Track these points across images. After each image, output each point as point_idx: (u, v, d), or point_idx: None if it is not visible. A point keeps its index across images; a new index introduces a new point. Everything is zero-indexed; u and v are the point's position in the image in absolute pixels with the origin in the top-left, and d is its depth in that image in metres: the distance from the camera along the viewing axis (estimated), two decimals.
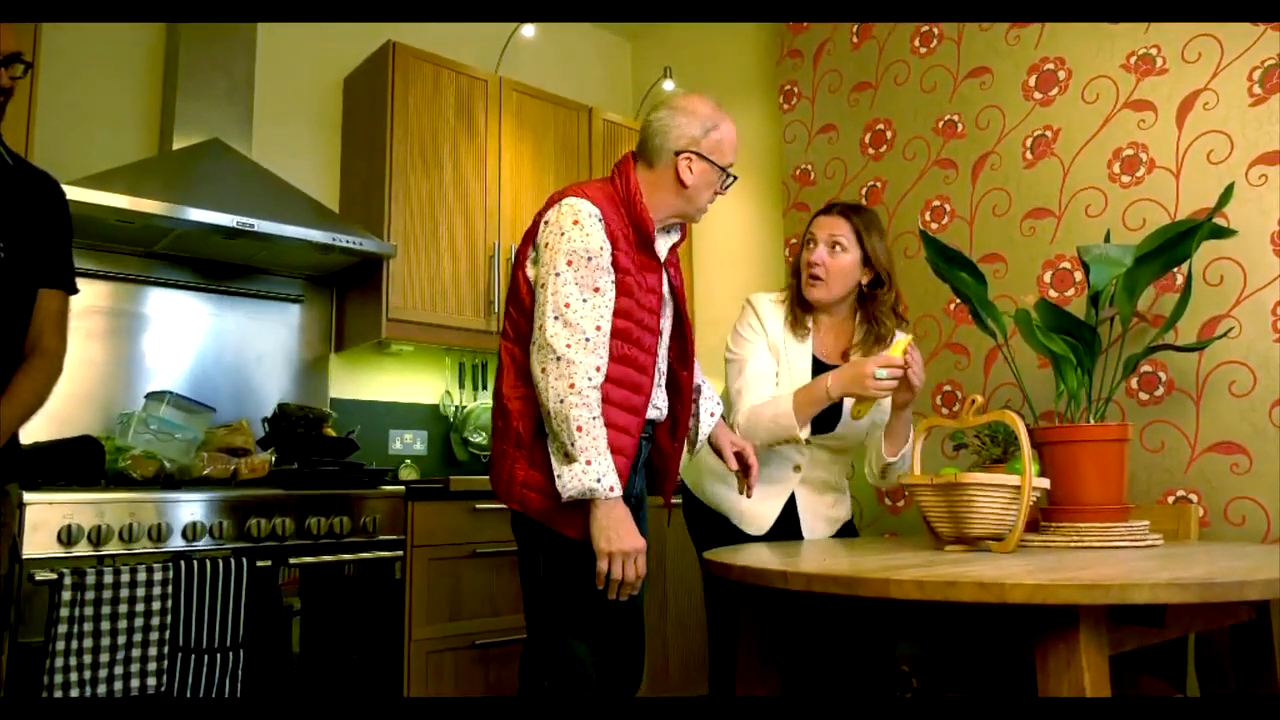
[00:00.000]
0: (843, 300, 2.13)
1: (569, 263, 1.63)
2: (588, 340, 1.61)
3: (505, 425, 1.71)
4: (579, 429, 1.57)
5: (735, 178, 1.85)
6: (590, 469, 1.56)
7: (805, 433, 1.98)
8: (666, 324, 1.85)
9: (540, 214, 1.76)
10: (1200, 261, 2.19)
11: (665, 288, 1.83)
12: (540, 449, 1.67)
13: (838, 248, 2.07)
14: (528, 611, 1.78)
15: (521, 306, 1.74)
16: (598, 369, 1.61)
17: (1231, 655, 1.79)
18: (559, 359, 1.59)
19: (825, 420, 2.06)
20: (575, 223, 1.66)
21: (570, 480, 1.57)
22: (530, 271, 1.73)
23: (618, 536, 1.58)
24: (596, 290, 1.65)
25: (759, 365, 2.10)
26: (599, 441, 1.58)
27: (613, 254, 1.68)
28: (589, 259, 1.64)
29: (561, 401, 1.57)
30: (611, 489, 1.58)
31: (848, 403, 2.10)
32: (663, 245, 1.83)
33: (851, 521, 2.26)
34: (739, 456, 1.96)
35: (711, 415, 1.99)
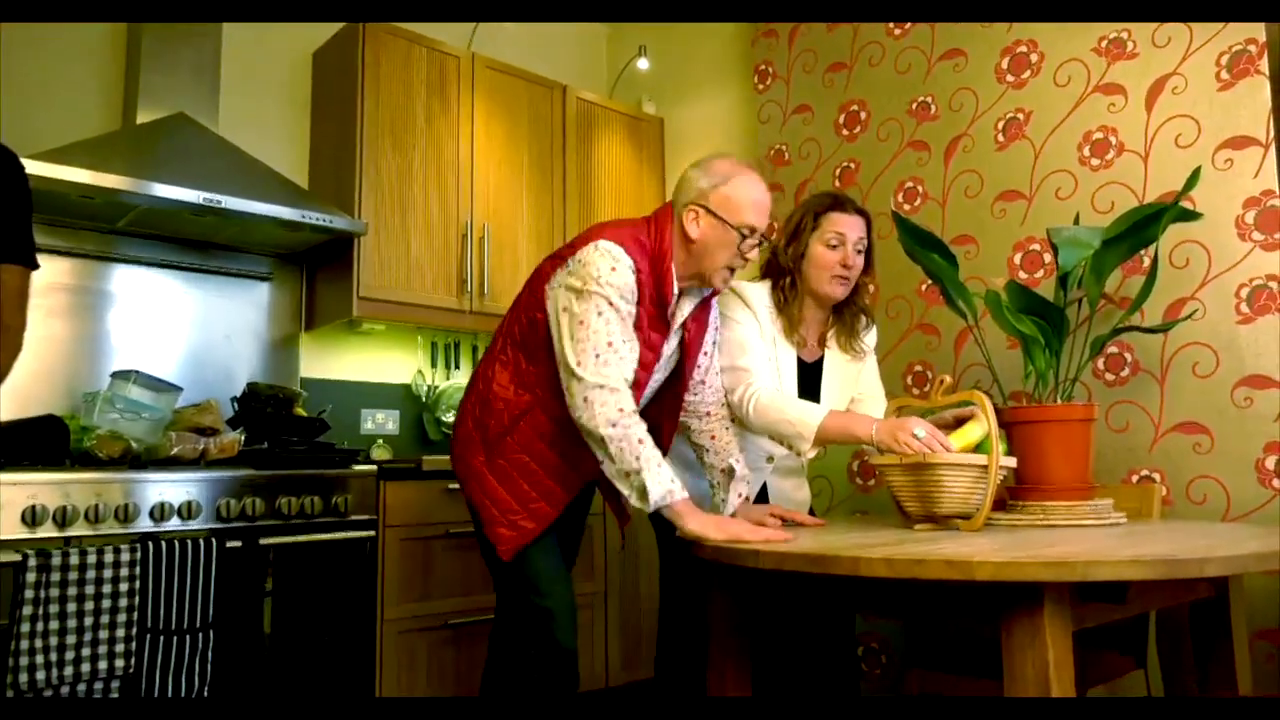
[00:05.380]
0: None
1: (610, 304, 1.69)
2: (627, 379, 1.70)
3: (482, 415, 1.82)
4: (640, 441, 1.64)
5: (759, 237, 1.79)
6: (662, 471, 1.64)
7: (810, 454, 1.95)
8: (657, 379, 1.88)
9: (575, 244, 1.78)
10: (1166, 244, 2.22)
11: (675, 345, 1.88)
12: (496, 454, 1.79)
13: (859, 249, 2.06)
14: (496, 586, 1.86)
15: (534, 317, 1.79)
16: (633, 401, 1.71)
17: (1191, 631, 1.83)
18: (604, 388, 1.65)
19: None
20: (614, 269, 1.70)
21: (654, 486, 1.62)
22: (555, 294, 1.76)
23: (716, 526, 1.64)
24: (638, 329, 1.74)
25: (760, 352, 2.03)
26: (657, 452, 1.66)
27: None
28: (625, 301, 1.71)
29: (614, 425, 1.64)
30: (683, 487, 1.66)
31: (828, 390, 2.11)
32: (685, 307, 1.86)
33: (811, 504, 2.28)
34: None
35: (740, 496, 1.96)
